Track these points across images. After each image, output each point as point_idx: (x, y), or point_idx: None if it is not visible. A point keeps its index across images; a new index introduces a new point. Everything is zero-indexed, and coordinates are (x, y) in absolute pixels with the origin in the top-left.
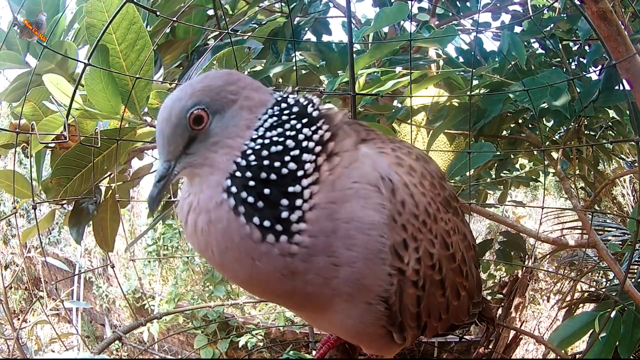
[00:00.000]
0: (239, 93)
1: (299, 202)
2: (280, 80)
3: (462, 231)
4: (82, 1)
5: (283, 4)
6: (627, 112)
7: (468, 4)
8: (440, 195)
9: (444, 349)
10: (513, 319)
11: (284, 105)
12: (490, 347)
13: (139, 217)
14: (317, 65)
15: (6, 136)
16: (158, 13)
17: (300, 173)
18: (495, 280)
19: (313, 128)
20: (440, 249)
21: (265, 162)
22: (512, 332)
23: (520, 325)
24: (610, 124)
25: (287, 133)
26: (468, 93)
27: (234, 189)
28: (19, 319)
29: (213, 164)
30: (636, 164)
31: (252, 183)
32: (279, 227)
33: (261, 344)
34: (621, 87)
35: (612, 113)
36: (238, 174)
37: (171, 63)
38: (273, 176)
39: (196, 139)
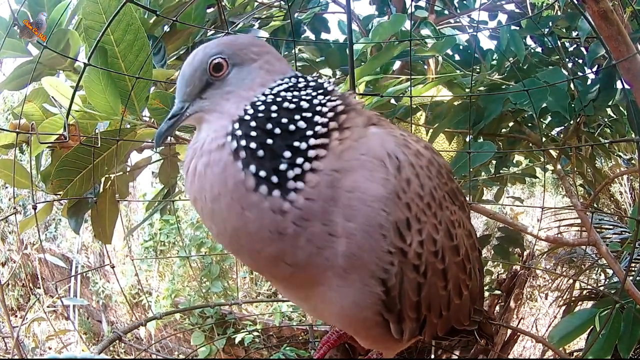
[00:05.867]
0: (261, 55)
1: (300, 160)
2: None
3: (468, 227)
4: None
5: (282, 1)
6: (626, 110)
7: (465, 2)
8: (448, 185)
9: (441, 347)
10: (511, 315)
11: (301, 79)
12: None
13: (136, 213)
14: (317, 60)
15: (7, 137)
16: (158, 12)
17: (309, 132)
18: (493, 277)
19: (328, 97)
20: (444, 237)
21: (274, 115)
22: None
23: (518, 323)
24: (608, 122)
25: (303, 96)
26: (468, 92)
27: (238, 133)
28: (16, 316)
29: (223, 110)
30: (633, 162)
31: (256, 131)
32: (274, 179)
33: (258, 340)
34: (620, 86)
35: (610, 111)
36: (245, 119)
37: (173, 54)
38: (278, 130)
39: (213, 85)
